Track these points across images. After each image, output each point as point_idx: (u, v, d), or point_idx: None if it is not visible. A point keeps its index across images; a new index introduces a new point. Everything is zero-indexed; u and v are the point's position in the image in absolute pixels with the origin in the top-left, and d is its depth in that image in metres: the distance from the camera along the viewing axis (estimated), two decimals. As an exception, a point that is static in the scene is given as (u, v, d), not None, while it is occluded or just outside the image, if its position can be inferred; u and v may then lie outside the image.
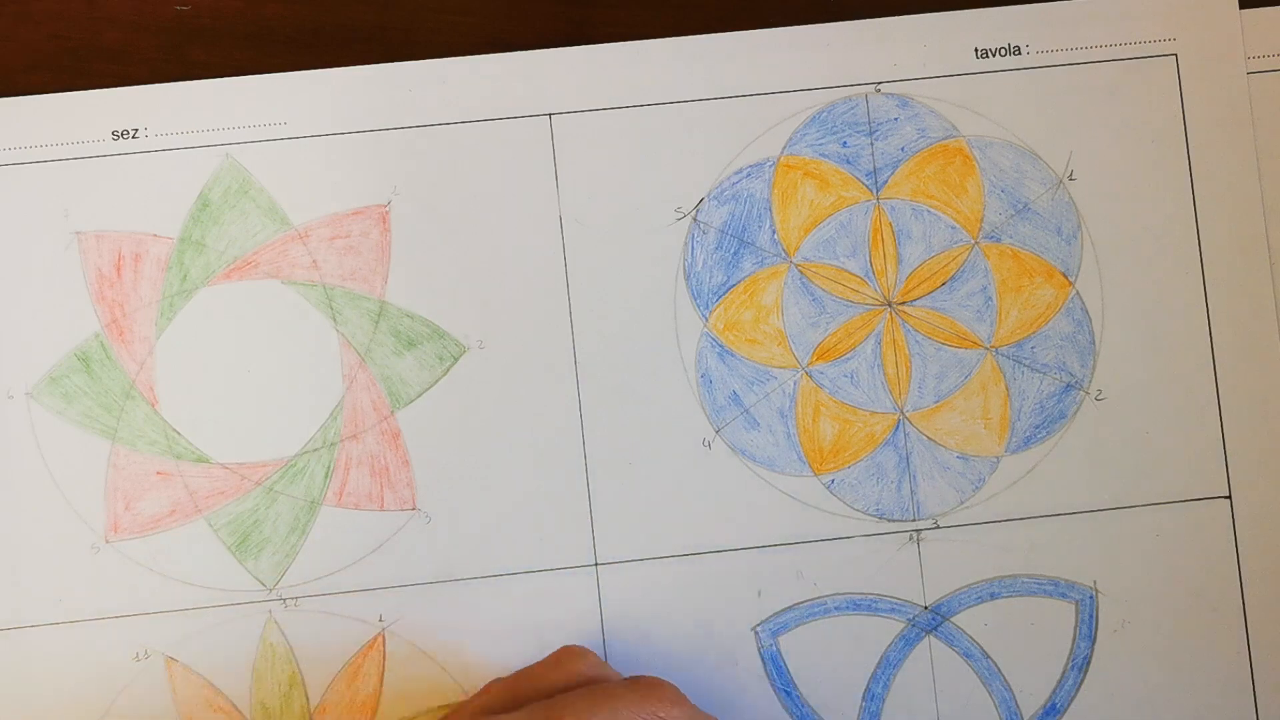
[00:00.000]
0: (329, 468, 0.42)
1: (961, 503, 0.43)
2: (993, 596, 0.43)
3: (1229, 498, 0.43)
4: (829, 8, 0.44)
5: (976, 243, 0.43)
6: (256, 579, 0.42)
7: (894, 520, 0.43)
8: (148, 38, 0.43)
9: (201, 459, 0.42)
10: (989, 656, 0.42)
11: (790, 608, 0.42)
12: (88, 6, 0.43)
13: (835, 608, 0.42)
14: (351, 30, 0.44)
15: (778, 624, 0.42)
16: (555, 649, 0.40)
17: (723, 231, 0.43)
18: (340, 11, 0.44)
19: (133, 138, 0.43)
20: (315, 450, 0.42)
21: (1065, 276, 0.43)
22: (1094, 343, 0.43)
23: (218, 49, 0.43)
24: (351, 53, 0.43)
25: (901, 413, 0.43)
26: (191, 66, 0.43)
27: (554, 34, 0.44)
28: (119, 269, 0.42)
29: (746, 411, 0.43)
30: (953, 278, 0.43)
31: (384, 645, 0.42)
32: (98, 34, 0.43)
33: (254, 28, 0.44)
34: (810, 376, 0.43)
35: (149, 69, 0.43)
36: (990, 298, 0.43)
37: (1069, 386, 0.43)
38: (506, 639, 0.42)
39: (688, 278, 0.43)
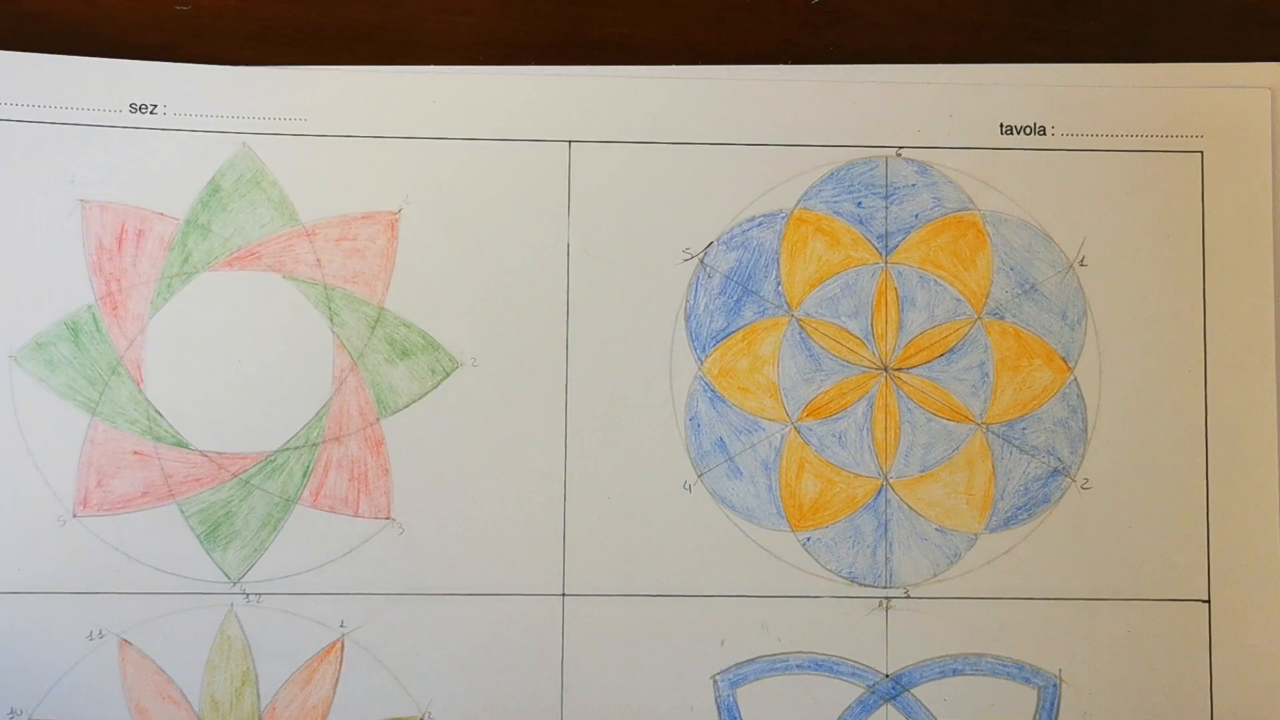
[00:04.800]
0: (308, 467, 0.42)
1: (935, 575, 0.42)
2: (955, 672, 0.42)
3: (1207, 602, 0.42)
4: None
5: (980, 318, 0.43)
6: (222, 570, 0.42)
7: (865, 585, 0.42)
8: (148, 37, 0.43)
9: (181, 443, 0.42)
10: (945, 732, 0.42)
11: (752, 660, 0.42)
12: (88, 6, 0.43)
13: (797, 665, 0.42)
14: (351, 30, 0.43)
15: (738, 675, 0.42)
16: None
17: (728, 277, 0.43)
18: (340, 11, 0.44)
19: (151, 113, 0.42)
20: (296, 448, 0.42)
21: (1065, 361, 0.43)
22: (1086, 431, 0.43)
23: (217, 48, 0.43)
24: (351, 53, 0.43)
25: (885, 479, 0.43)
26: (195, 64, 0.43)
27: (553, 34, 0.44)
28: (120, 242, 0.42)
29: (731, 459, 0.43)
30: (952, 349, 0.43)
31: (342, 651, 0.42)
32: (98, 33, 0.43)
33: (254, 27, 0.43)
34: (799, 432, 0.43)
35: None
36: (987, 374, 0.43)
37: (1056, 472, 0.43)
38: (465, 658, 0.42)
39: (688, 319, 0.43)
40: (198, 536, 0.42)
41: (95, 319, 0.42)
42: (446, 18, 0.44)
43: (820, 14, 0.44)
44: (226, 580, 0.42)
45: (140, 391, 0.42)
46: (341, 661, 0.42)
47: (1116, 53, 0.44)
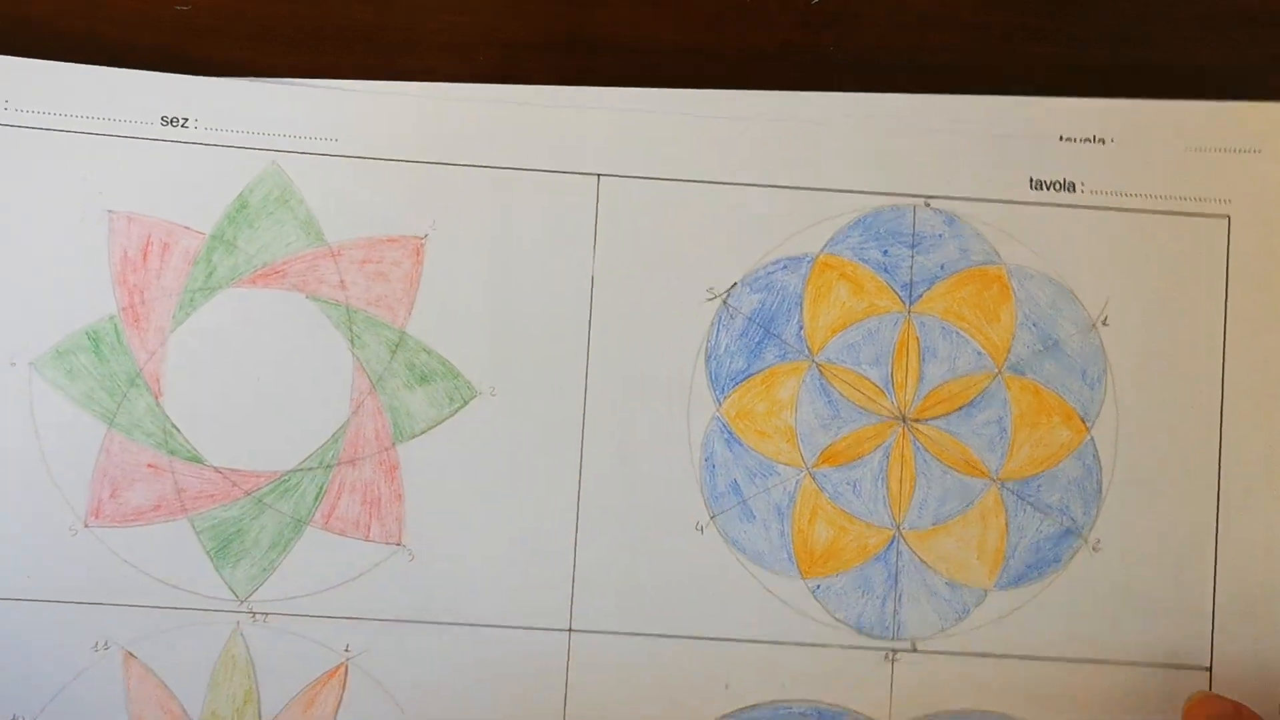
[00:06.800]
0: (321, 489, 0.42)
1: (943, 629, 0.42)
2: (959, 726, 0.42)
3: (1209, 669, 0.42)
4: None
5: (1000, 372, 0.43)
6: (230, 588, 0.41)
7: (873, 636, 0.42)
8: (148, 37, 0.43)
9: (195, 459, 0.42)
10: (945, 787, 0.42)
11: (755, 705, 0.42)
12: (88, 6, 0.43)
13: (800, 713, 0.42)
14: (352, 30, 0.43)
15: (742, 719, 0.42)
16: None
17: (750, 319, 0.43)
18: (340, 11, 0.44)
19: (182, 126, 0.42)
20: (310, 469, 0.42)
21: (1083, 421, 0.43)
22: (1100, 492, 0.43)
23: (218, 48, 0.43)
24: (351, 53, 0.43)
25: (898, 530, 0.43)
26: (191, 66, 0.43)
27: (553, 34, 0.43)
28: (145, 255, 0.42)
29: (744, 503, 0.42)
30: (971, 403, 0.43)
31: (346, 676, 0.41)
32: (98, 33, 0.43)
33: (254, 27, 0.43)
34: (814, 478, 0.43)
35: (149, 69, 0.43)
36: (1005, 429, 0.43)
37: (1068, 531, 0.43)
38: (468, 689, 0.42)
39: (708, 359, 0.43)
40: (208, 553, 0.42)
41: (117, 330, 0.42)
42: (446, 18, 0.44)
43: (820, 14, 0.44)
44: (234, 598, 0.41)
45: (158, 405, 0.42)
46: (345, 686, 0.41)
47: (1117, 52, 0.44)
